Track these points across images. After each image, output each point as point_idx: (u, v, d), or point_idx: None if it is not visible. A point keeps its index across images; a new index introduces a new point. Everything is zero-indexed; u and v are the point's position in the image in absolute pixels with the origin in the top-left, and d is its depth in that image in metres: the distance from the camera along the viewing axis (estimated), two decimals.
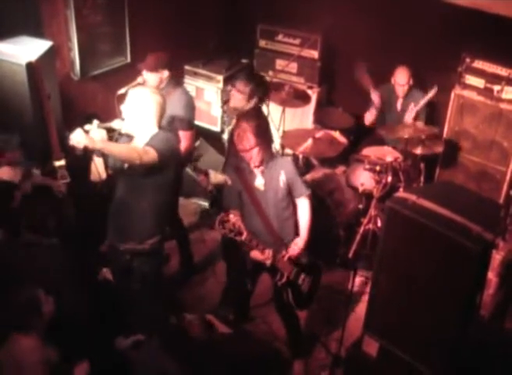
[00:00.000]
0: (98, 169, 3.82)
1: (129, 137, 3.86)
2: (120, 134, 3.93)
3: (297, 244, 4.03)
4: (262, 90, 4.82)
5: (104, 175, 3.88)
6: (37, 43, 4.53)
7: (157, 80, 4.75)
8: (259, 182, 3.97)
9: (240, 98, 4.70)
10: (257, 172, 3.95)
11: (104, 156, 3.86)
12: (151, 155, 3.60)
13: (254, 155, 3.83)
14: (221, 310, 4.72)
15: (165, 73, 4.73)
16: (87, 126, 3.74)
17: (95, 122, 3.75)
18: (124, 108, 3.78)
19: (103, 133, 3.80)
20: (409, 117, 5.50)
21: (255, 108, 4.76)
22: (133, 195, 3.82)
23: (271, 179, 3.95)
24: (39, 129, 4.30)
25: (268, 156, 3.92)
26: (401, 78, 5.76)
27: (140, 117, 3.74)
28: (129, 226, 3.90)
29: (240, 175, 4.00)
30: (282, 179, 3.94)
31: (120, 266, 4.03)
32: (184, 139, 4.70)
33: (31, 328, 3.16)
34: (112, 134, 3.98)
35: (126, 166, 3.80)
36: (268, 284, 4.35)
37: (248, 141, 3.76)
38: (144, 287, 4.05)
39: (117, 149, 3.64)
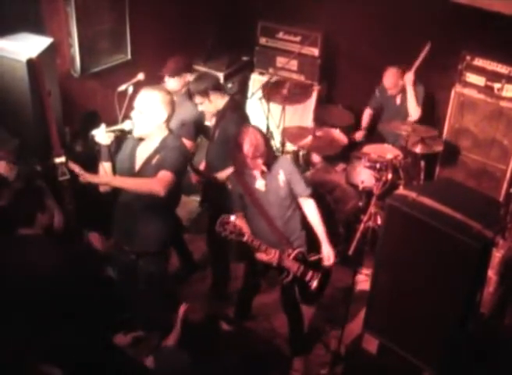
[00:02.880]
0: (107, 174, 3.77)
1: (136, 140, 3.81)
2: (124, 133, 3.87)
3: (329, 254, 4.07)
4: (203, 83, 4.50)
5: None
6: (38, 39, 4.52)
7: (180, 85, 4.80)
8: (260, 183, 3.99)
9: (206, 106, 4.53)
10: (257, 174, 3.96)
11: (112, 160, 3.82)
12: (168, 179, 3.58)
13: (260, 161, 3.87)
14: (216, 306, 4.77)
15: (188, 76, 4.77)
16: (94, 131, 3.66)
17: (103, 126, 3.66)
18: (134, 112, 3.70)
19: (110, 137, 3.72)
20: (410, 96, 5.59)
21: (229, 103, 4.57)
22: (141, 201, 3.74)
23: (271, 179, 3.97)
24: (39, 125, 4.29)
25: (270, 158, 3.96)
26: (387, 81, 5.79)
27: (151, 121, 3.67)
28: (135, 231, 3.87)
29: (239, 178, 4.01)
30: (282, 178, 3.97)
31: (125, 266, 4.02)
32: None
33: None
34: (121, 136, 3.92)
35: (136, 170, 3.77)
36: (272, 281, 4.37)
37: (260, 150, 3.81)
38: (149, 286, 4.05)
39: (133, 185, 3.63)
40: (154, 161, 3.71)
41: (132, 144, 3.84)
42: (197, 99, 4.49)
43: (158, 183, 3.54)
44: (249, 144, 3.79)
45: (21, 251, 3.30)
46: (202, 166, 4.85)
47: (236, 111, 4.58)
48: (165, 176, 3.59)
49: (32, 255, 3.28)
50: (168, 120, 3.74)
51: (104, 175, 3.72)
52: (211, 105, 4.52)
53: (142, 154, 3.78)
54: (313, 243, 4.18)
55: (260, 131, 3.91)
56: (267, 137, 3.98)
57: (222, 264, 4.95)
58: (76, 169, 3.48)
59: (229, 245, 4.76)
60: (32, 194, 3.54)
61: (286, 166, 4.00)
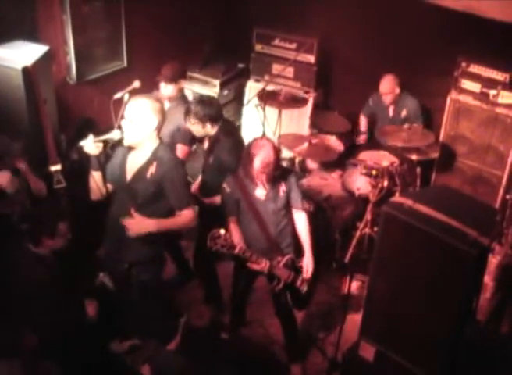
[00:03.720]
0: (98, 184, 3.74)
1: (126, 148, 3.76)
2: (113, 146, 3.87)
3: (308, 266, 4.11)
4: (206, 109, 4.41)
5: (104, 190, 3.80)
6: (33, 47, 4.53)
7: (175, 91, 4.83)
8: (260, 192, 4.02)
9: (196, 129, 4.47)
10: (259, 182, 3.98)
11: (102, 170, 3.78)
12: (195, 211, 3.81)
13: (264, 177, 3.93)
14: (214, 314, 4.76)
15: (182, 83, 4.84)
16: (82, 142, 3.62)
17: (91, 136, 3.61)
18: (124, 121, 3.65)
19: (98, 147, 3.69)
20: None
21: (223, 127, 4.53)
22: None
23: (272, 189, 4.02)
24: (35, 133, 4.29)
25: (276, 173, 3.99)
26: (383, 87, 5.82)
27: (141, 129, 3.61)
28: (127, 240, 3.77)
29: (239, 184, 4.02)
30: (283, 189, 4.04)
31: (118, 274, 3.98)
32: (180, 152, 4.68)
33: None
34: (112, 145, 3.90)
35: (127, 180, 3.72)
36: (264, 288, 4.35)
37: (269, 167, 3.87)
38: (143, 295, 4.02)
39: (171, 225, 3.77)
40: (148, 174, 3.64)
41: (122, 153, 3.79)
42: (192, 119, 4.41)
43: (192, 220, 3.78)
44: (260, 160, 3.83)
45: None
46: (195, 185, 4.82)
47: (229, 136, 4.51)
48: (190, 211, 3.76)
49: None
50: (158, 128, 3.68)
51: (146, 222, 3.67)
52: (202, 131, 4.46)
53: (133, 164, 3.72)
54: (300, 249, 4.20)
55: (274, 148, 3.91)
56: (279, 154, 4.00)
57: (211, 274, 4.92)
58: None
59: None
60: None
61: (290, 178, 4.09)
